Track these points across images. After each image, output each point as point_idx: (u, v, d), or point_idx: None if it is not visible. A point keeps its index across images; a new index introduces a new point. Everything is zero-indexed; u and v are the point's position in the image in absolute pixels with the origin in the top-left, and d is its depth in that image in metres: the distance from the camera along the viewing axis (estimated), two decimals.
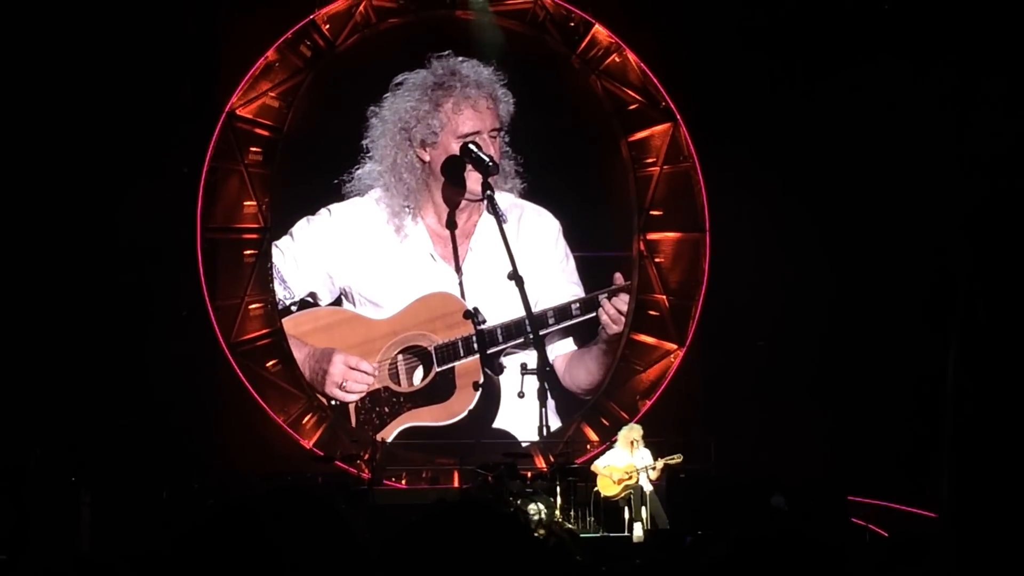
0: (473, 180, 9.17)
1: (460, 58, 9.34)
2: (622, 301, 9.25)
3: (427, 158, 9.31)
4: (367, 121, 9.37)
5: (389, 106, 9.33)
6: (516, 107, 9.37)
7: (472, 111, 9.24)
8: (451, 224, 9.42)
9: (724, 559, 2.63)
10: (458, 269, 9.44)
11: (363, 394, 9.35)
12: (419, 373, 9.36)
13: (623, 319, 9.28)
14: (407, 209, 9.38)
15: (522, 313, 8.70)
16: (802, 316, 9.65)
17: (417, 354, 9.35)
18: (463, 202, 9.38)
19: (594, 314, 9.30)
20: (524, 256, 9.02)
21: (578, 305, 9.24)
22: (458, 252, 9.45)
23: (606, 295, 9.26)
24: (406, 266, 9.42)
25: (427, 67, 9.31)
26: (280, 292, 9.39)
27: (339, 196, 9.49)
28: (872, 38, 9.73)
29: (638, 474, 8.30)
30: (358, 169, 9.44)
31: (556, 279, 9.52)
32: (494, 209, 8.81)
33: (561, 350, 9.62)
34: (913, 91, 9.68)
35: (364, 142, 9.40)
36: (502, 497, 8.02)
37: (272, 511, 2.62)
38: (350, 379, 9.30)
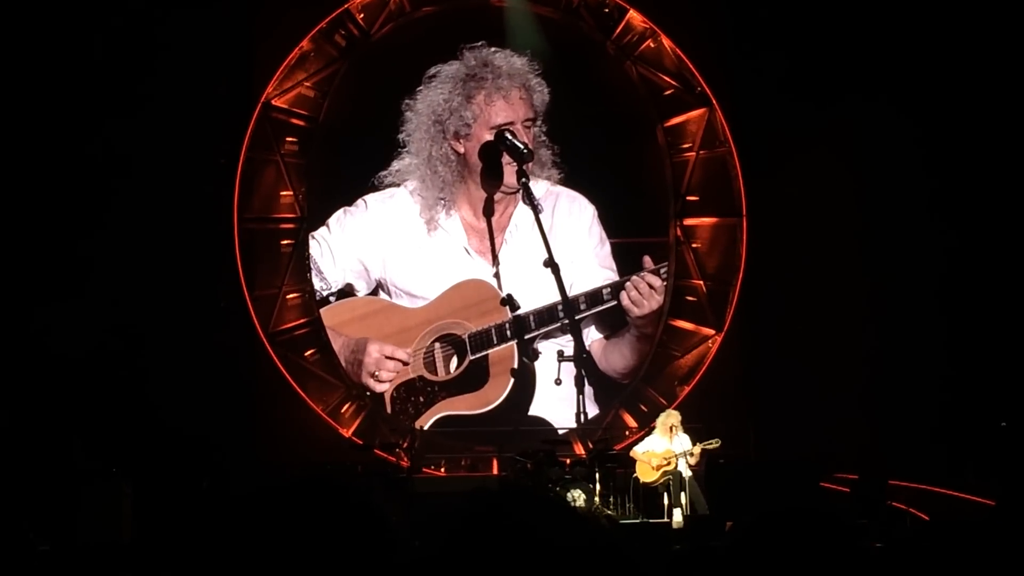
0: (509, 173, 9.16)
1: (493, 48, 9.31)
2: (646, 280, 9.08)
3: (461, 150, 9.30)
4: (402, 115, 9.38)
5: (422, 99, 9.31)
6: (551, 95, 9.35)
7: (504, 102, 9.20)
8: (487, 214, 9.40)
9: (736, 541, 2.64)
10: (494, 261, 9.42)
11: (393, 383, 9.34)
12: (455, 362, 9.36)
13: (652, 293, 9.10)
14: (442, 202, 9.38)
15: (556, 299, 8.68)
16: (840, 300, 9.62)
17: (452, 342, 9.35)
18: (499, 194, 9.36)
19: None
20: (559, 243, 9.00)
21: (609, 290, 9.16)
22: (494, 244, 9.43)
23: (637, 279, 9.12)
24: (441, 259, 9.41)
25: (460, 58, 9.31)
26: (317, 284, 9.40)
27: (376, 186, 9.51)
28: (910, 22, 9.69)
29: (677, 460, 8.29)
30: (395, 163, 9.45)
31: (589, 264, 9.47)
32: (529, 197, 8.79)
33: (595, 336, 9.58)
34: (946, 77, 9.65)
35: (400, 136, 9.41)
36: (541, 484, 8.04)
37: (297, 502, 2.62)
38: (383, 368, 9.29)
